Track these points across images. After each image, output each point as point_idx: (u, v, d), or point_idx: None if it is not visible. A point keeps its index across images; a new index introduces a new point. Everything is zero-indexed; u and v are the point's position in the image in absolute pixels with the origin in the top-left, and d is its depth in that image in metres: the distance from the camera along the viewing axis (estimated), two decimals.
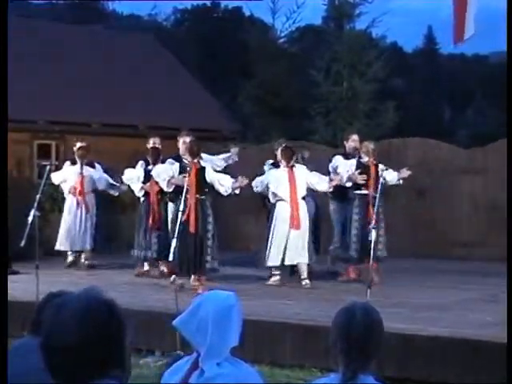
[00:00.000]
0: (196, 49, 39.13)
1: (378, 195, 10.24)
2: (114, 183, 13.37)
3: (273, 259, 11.32)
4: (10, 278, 8.61)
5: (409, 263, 13.40)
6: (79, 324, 2.22)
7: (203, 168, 10.95)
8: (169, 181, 10.86)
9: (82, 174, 13.17)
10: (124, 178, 12.62)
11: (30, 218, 10.67)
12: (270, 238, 11.29)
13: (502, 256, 12.64)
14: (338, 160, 12.08)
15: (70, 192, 13.29)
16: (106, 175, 13.46)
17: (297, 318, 8.81)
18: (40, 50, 17.83)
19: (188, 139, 11.45)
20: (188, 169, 10.63)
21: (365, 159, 11.76)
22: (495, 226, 14.12)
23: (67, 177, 13.29)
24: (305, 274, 11.27)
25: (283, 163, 11.45)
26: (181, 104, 18.95)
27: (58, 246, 13.45)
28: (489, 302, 9.91)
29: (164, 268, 12.29)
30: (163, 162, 12.03)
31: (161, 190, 11.80)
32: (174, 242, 9.31)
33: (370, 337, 3.17)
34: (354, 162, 11.82)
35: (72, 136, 14.56)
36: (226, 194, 11.08)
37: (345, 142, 12.53)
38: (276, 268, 11.44)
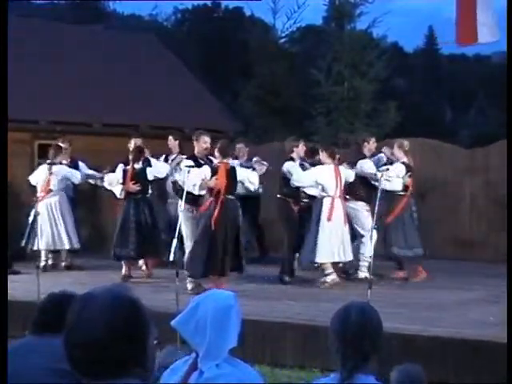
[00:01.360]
0: (197, 49, 39.15)
1: (378, 195, 10.21)
2: (94, 173, 13.43)
3: (326, 256, 11.17)
4: (11, 277, 8.60)
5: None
6: (105, 320, 2.23)
7: (233, 168, 10.92)
8: (201, 185, 10.66)
9: (50, 172, 13.01)
10: (105, 184, 12.59)
11: (31, 218, 10.69)
12: (317, 235, 11.21)
13: (502, 256, 12.66)
14: (366, 163, 12.02)
15: (42, 191, 13.06)
16: (89, 171, 13.50)
17: (297, 318, 8.81)
18: (41, 50, 17.82)
19: (209, 139, 11.33)
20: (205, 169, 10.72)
21: (404, 159, 11.93)
22: (496, 226, 14.11)
23: (38, 177, 13.20)
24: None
25: (329, 160, 11.42)
26: (182, 104, 18.94)
27: (34, 247, 12.77)
28: (489, 303, 9.91)
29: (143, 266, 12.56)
30: (147, 160, 12.30)
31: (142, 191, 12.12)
32: (174, 242, 9.31)
33: (365, 336, 3.17)
34: (401, 164, 11.85)
35: (73, 136, 14.54)
36: (254, 190, 11.43)
37: (366, 144, 12.37)
38: (328, 266, 11.30)
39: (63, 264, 13.23)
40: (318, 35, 24.97)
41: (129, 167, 12.14)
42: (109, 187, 12.56)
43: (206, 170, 10.75)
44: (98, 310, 2.24)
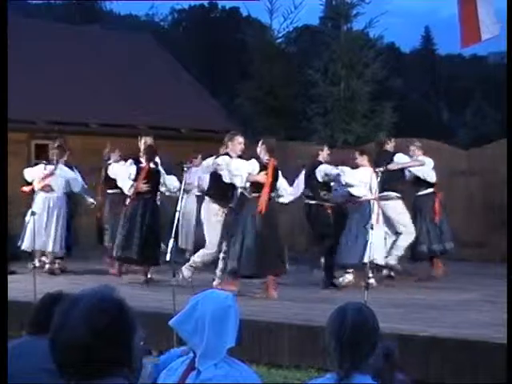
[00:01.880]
0: (193, 49, 39.16)
1: (376, 196, 10.22)
2: (87, 195, 13.18)
3: (352, 257, 11.24)
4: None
5: (407, 264, 13.35)
6: (89, 322, 2.23)
7: (277, 168, 10.87)
8: (247, 177, 10.57)
9: (54, 173, 12.67)
10: (114, 174, 12.36)
11: (28, 219, 10.67)
12: (367, 236, 11.05)
13: (499, 256, 12.67)
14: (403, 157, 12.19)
15: (41, 190, 12.67)
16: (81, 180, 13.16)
17: (294, 318, 8.81)
18: (37, 50, 17.83)
19: (242, 139, 11.24)
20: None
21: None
22: (493, 226, 14.12)
23: (40, 175, 12.76)
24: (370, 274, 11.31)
25: (367, 163, 11.51)
26: (179, 104, 18.96)
27: (25, 247, 12.53)
28: (487, 303, 9.91)
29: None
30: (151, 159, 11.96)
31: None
32: (171, 242, 9.30)
33: (362, 336, 3.17)
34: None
35: (70, 136, 14.53)
36: (285, 200, 11.21)
37: (388, 142, 12.47)
38: (352, 267, 11.38)
39: (47, 267, 12.72)
40: (314, 35, 24.94)
41: (143, 165, 11.72)
42: (120, 181, 11.95)
43: (254, 164, 10.64)
44: (83, 312, 2.24)
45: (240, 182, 10.64)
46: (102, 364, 2.24)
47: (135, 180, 11.68)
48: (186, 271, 11.09)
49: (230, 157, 10.97)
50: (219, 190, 10.93)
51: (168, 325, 3.48)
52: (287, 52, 24.34)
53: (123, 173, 11.90)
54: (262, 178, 10.52)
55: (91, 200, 13.20)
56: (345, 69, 20.39)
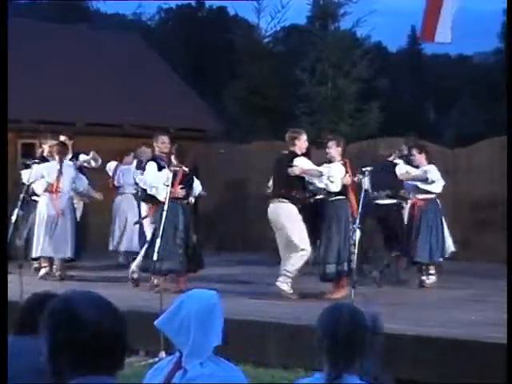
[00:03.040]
0: (181, 48, 39.11)
1: (362, 195, 10.23)
2: (90, 191, 12.70)
3: (423, 255, 11.38)
4: None
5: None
6: (94, 320, 2.24)
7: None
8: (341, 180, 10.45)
9: (61, 171, 12.01)
10: (148, 181, 11.09)
11: (14, 218, 10.63)
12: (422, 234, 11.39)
13: (486, 256, 12.71)
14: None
15: (46, 191, 11.97)
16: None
17: (281, 317, 8.80)
18: (24, 49, 17.75)
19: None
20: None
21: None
22: (479, 226, 14.15)
23: (44, 174, 11.95)
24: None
25: (425, 162, 11.53)
26: (165, 103, 18.93)
27: (37, 253, 12.00)
28: (475, 302, 9.93)
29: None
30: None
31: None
32: (158, 242, 9.27)
33: (356, 336, 3.18)
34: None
35: (57, 135, 14.47)
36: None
37: (404, 146, 12.39)
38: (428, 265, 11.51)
39: (58, 274, 11.93)
40: (301, 35, 24.97)
41: (178, 168, 10.71)
42: (151, 190, 10.93)
43: (340, 167, 10.42)
44: (89, 311, 2.24)
45: (336, 188, 10.32)
46: (101, 363, 2.25)
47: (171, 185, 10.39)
48: (284, 286, 10.27)
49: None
50: (291, 191, 10.41)
51: (155, 325, 3.48)
52: (275, 51, 24.34)
53: (157, 179, 10.82)
54: (348, 180, 10.37)
55: (96, 195, 12.74)
56: (332, 68, 20.43)
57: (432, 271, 11.45)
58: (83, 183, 12.41)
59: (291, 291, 10.21)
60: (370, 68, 20.79)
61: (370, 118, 20.49)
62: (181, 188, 10.71)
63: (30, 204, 12.17)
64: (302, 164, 10.41)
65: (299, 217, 10.37)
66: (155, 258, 9.26)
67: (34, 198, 12.32)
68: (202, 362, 3.29)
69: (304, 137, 10.68)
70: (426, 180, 11.39)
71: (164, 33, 43.08)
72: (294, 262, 10.26)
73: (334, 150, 10.53)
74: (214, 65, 36.02)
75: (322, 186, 10.41)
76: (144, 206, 11.72)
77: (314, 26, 22.29)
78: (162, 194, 10.23)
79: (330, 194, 10.40)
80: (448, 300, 10.20)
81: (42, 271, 12.02)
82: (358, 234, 9.48)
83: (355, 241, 9.52)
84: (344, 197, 10.39)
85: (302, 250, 10.26)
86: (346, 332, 3.16)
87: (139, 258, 11.09)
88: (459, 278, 12.04)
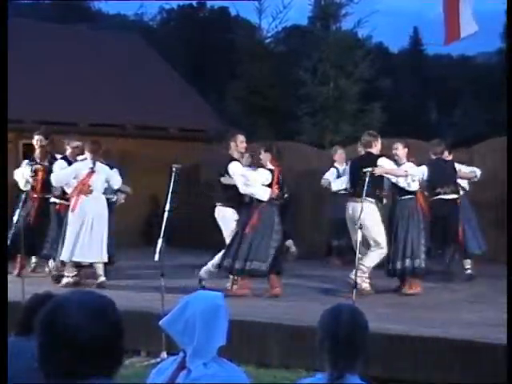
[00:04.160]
0: (182, 48, 39.12)
1: (363, 196, 10.23)
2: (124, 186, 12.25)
3: (474, 247, 12.04)
4: None
5: None
6: (93, 321, 2.24)
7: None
8: None
9: (93, 170, 11.26)
10: (250, 187, 10.52)
11: (15, 218, 10.62)
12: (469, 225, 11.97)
13: (488, 256, 12.68)
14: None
15: (77, 190, 11.21)
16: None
17: (283, 318, 8.80)
18: (25, 50, 17.77)
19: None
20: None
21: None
22: (482, 226, 14.11)
23: (76, 174, 11.26)
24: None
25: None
26: (167, 103, 18.93)
27: (69, 258, 11.20)
28: (474, 302, 9.92)
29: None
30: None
31: None
32: (160, 243, 9.27)
33: (357, 336, 3.19)
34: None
35: (58, 136, 14.47)
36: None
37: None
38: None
39: (97, 281, 11.13)
40: (303, 35, 24.99)
41: (274, 168, 10.51)
42: (256, 188, 10.44)
43: (416, 167, 10.94)
44: (85, 313, 2.24)
45: (415, 187, 10.80)
46: (99, 365, 2.24)
47: (270, 186, 10.42)
48: (363, 284, 10.34)
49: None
50: (374, 190, 10.53)
51: (157, 325, 3.48)
52: (276, 52, 24.38)
53: (259, 177, 10.49)
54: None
55: (128, 189, 12.48)
56: (334, 69, 20.45)
57: (468, 265, 11.96)
58: (118, 181, 11.83)
59: (369, 288, 10.49)
60: (371, 68, 20.81)
61: (371, 118, 20.51)
62: (276, 188, 10.53)
63: (28, 204, 12.08)
64: (385, 164, 10.66)
65: (379, 215, 10.66)
66: (242, 257, 9.62)
67: (54, 199, 11.97)
68: (205, 363, 3.29)
69: (379, 140, 10.95)
70: (473, 177, 12.09)
71: (165, 33, 43.08)
72: (374, 259, 10.59)
73: (400, 151, 10.85)
74: (215, 65, 36.03)
75: (404, 185, 10.66)
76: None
77: (315, 27, 22.33)
78: (263, 195, 10.34)
79: (400, 192, 10.74)
80: (449, 301, 10.19)
81: (67, 279, 11.27)
82: (359, 234, 9.48)
83: (356, 241, 9.54)
84: (413, 196, 10.76)
85: (382, 247, 10.60)
86: (347, 332, 3.16)
87: (216, 258, 10.76)
88: (460, 278, 12.02)
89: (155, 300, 8.69)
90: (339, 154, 13.72)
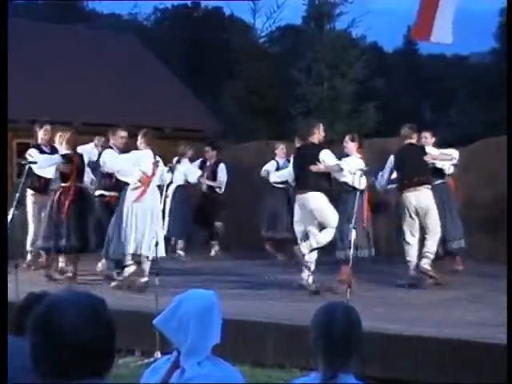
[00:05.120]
0: (177, 48, 39.09)
1: (358, 195, 10.22)
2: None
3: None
4: None
5: (393, 263, 13.35)
6: (89, 321, 2.23)
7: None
8: None
9: (157, 164, 10.83)
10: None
11: (9, 217, 10.61)
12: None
13: (484, 255, 12.71)
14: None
15: (141, 182, 10.65)
16: None
17: (278, 317, 8.79)
18: (20, 49, 17.74)
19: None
20: None
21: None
22: (477, 226, 14.12)
23: (140, 163, 10.71)
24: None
25: None
26: (163, 103, 18.93)
27: (129, 250, 10.62)
28: (472, 302, 9.90)
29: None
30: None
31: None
32: (154, 240, 9.26)
33: (351, 335, 3.17)
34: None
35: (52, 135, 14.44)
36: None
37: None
38: None
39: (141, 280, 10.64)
40: (297, 35, 25.00)
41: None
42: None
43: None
44: (69, 316, 2.23)
45: (451, 171, 11.85)
46: (93, 365, 2.23)
47: None
48: (427, 267, 11.05)
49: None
50: (429, 178, 11.16)
51: (151, 324, 3.47)
52: (270, 52, 24.38)
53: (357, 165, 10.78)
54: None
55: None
56: (328, 69, 20.45)
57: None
58: (195, 174, 11.66)
59: (432, 272, 10.96)
60: (366, 68, 20.81)
61: (366, 118, 20.52)
62: None
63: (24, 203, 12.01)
64: (433, 152, 11.31)
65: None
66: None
67: (101, 191, 11.69)
68: (199, 362, 3.28)
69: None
70: (451, 159, 11.79)
71: (160, 33, 43.05)
72: (435, 243, 11.09)
73: (429, 139, 11.75)
74: (211, 65, 36.01)
75: (451, 171, 11.72)
76: None
77: (309, 26, 22.33)
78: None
79: (434, 178, 11.35)
80: (447, 300, 10.17)
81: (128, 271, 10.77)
82: (353, 234, 9.46)
83: (350, 241, 9.50)
84: (445, 180, 11.80)
85: (437, 233, 11.13)
86: (341, 331, 3.15)
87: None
88: (458, 278, 12.02)
89: (149, 299, 8.68)
90: (280, 148, 14.47)
